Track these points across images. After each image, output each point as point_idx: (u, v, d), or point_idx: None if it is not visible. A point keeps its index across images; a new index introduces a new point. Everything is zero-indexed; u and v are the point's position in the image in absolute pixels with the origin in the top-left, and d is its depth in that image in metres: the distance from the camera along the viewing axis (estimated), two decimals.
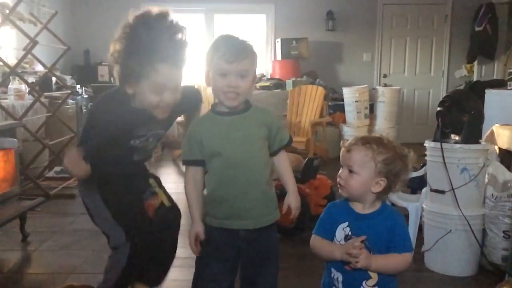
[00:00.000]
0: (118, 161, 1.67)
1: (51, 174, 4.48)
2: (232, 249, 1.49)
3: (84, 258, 2.69)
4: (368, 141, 1.33)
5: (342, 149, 1.38)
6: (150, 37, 1.47)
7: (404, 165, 1.33)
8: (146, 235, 1.74)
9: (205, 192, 1.53)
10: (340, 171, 1.37)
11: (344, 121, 5.98)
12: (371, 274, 1.30)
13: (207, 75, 1.45)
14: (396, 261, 1.30)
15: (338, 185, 1.37)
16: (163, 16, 1.52)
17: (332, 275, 1.36)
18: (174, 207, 1.90)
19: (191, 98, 1.80)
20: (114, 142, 1.58)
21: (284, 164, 1.58)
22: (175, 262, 2.71)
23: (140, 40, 1.47)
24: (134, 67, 1.47)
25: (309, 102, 5.59)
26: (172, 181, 4.73)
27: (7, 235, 3.02)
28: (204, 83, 1.46)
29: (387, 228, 1.31)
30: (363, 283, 1.31)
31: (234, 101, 1.42)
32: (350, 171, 1.33)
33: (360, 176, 1.32)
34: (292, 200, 1.54)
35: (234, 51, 1.40)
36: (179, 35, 1.54)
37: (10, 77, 4.14)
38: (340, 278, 1.34)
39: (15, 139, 2.98)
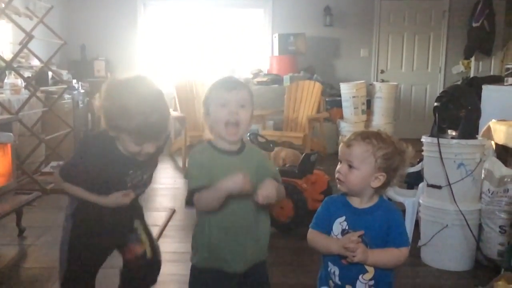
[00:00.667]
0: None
1: (47, 169, 4.46)
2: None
3: None
4: (368, 136, 1.33)
5: (341, 144, 1.37)
6: (127, 109, 1.44)
7: (402, 160, 1.33)
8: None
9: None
10: (338, 166, 1.37)
11: (341, 117, 5.98)
12: (368, 268, 1.30)
13: (206, 114, 1.42)
14: (392, 255, 1.30)
15: (337, 180, 1.37)
16: (147, 86, 1.52)
17: (329, 269, 1.36)
18: (154, 262, 1.82)
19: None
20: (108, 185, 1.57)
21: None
22: (172, 256, 2.73)
23: (121, 105, 1.45)
24: (115, 123, 1.47)
25: (306, 97, 5.59)
26: (168, 176, 4.73)
27: (4, 230, 3.01)
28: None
29: (384, 222, 1.32)
30: (360, 277, 1.31)
31: (234, 136, 1.39)
32: (350, 166, 1.33)
33: (360, 171, 1.32)
34: (264, 186, 1.35)
35: (233, 81, 1.44)
36: (159, 107, 1.50)
37: (6, 72, 4.13)
38: (337, 272, 1.34)
39: (11, 134, 2.97)
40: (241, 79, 1.50)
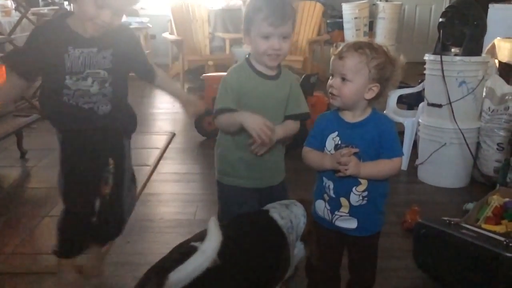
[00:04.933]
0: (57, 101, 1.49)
1: None
2: (251, 206, 1.50)
3: None
4: (360, 46, 1.28)
5: (333, 57, 1.32)
6: None
7: (394, 69, 1.30)
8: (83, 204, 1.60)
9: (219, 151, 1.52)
10: (330, 80, 1.31)
11: (343, 39, 5.84)
12: (361, 180, 1.30)
13: (246, 34, 1.41)
14: (385, 166, 1.30)
15: (330, 95, 1.32)
16: None
17: (324, 183, 1.37)
18: (112, 213, 1.68)
19: (138, 60, 1.59)
20: (48, 64, 1.47)
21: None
22: (174, 177, 2.78)
23: None
24: None
25: (307, 19, 5.41)
26: (167, 101, 4.70)
27: (6, 152, 3.06)
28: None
29: (376, 134, 1.30)
30: (353, 189, 1.32)
31: (275, 61, 1.41)
32: (343, 79, 1.29)
33: (354, 84, 1.28)
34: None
35: (279, 15, 1.35)
36: None
37: None
38: (331, 186, 1.35)
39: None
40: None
